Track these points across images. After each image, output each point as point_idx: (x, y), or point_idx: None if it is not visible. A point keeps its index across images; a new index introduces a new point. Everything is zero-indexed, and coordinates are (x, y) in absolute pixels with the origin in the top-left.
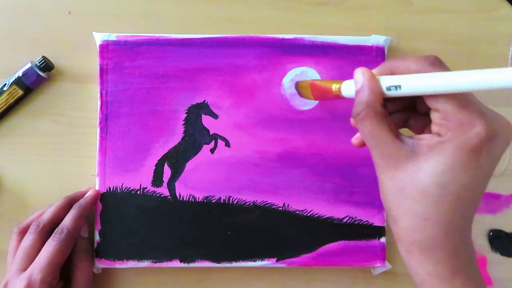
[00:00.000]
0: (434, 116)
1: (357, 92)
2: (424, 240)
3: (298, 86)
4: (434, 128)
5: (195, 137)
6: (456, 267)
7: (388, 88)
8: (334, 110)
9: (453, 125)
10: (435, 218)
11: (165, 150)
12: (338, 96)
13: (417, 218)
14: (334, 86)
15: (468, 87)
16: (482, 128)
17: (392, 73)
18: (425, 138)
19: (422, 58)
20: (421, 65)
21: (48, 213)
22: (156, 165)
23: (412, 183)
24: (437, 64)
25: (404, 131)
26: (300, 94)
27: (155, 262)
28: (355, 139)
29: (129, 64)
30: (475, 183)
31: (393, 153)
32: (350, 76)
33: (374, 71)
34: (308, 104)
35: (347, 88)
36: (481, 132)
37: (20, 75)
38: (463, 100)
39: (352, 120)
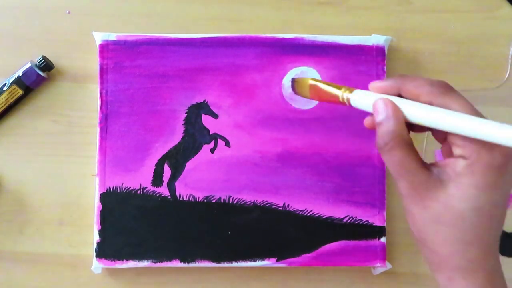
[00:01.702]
0: (454, 139)
1: (380, 123)
2: (466, 264)
3: (294, 82)
4: (456, 150)
5: (195, 136)
6: (496, 285)
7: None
8: (334, 110)
9: (477, 146)
10: (474, 241)
11: (165, 150)
12: (343, 104)
13: (456, 244)
14: (342, 95)
15: (495, 139)
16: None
17: (399, 92)
18: (449, 164)
19: (429, 82)
20: (435, 89)
21: None
22: (156, 165)
23: (446, 211)
24: (448, 91)
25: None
26: (295, 90)
27: (155, 262)
28: (367, 120)
29: (129, 63)
30: (503, 200)
31: (423, 182)
32: (350, 75)
33: (378, 84)
34: (308, 104)
35: (359, 102)
36: (506, 149)
37: (20, 74)
38: None
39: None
